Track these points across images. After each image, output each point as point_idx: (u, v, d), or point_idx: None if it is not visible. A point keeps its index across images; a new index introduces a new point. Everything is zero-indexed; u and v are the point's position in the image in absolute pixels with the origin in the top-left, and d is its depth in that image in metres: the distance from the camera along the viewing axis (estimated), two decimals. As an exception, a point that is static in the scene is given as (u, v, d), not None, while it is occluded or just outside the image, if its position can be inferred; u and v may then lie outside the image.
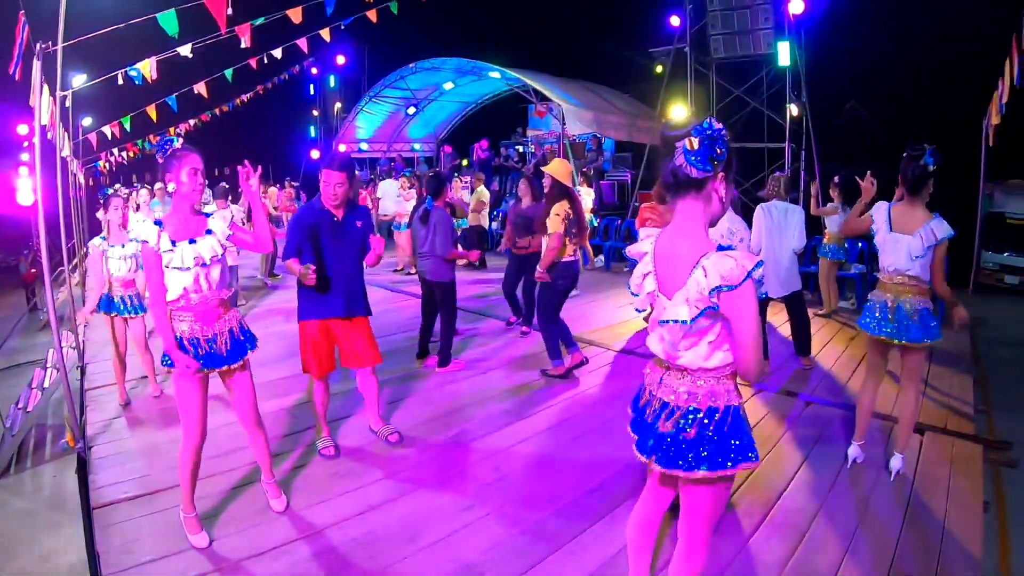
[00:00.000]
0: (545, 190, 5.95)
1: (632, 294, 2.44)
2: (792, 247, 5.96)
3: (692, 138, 2.10)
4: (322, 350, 4.40)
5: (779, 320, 7.44)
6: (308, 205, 4.39)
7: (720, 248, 2.11)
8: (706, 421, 2.21)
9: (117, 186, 5.73)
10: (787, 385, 5.95)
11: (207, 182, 3.54)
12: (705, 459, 2.18)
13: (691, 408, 2.22)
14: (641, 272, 2.37)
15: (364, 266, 4.50)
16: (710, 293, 2.05)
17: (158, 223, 3.33)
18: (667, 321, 2.18)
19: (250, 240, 3.61)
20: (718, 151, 2.10)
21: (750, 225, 5.74)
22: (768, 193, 6.23)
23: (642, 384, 2.49)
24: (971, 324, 4.17)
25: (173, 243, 3.28)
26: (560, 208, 5.67)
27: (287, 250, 4.23)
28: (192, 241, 3.32)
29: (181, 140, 3.36)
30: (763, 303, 6.06)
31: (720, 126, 2.13)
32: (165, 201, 11.04)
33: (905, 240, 3.95)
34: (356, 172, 16.74)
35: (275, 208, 14.58)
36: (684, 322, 2.12)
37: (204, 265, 3.34)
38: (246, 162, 3.51)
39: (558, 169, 5.82)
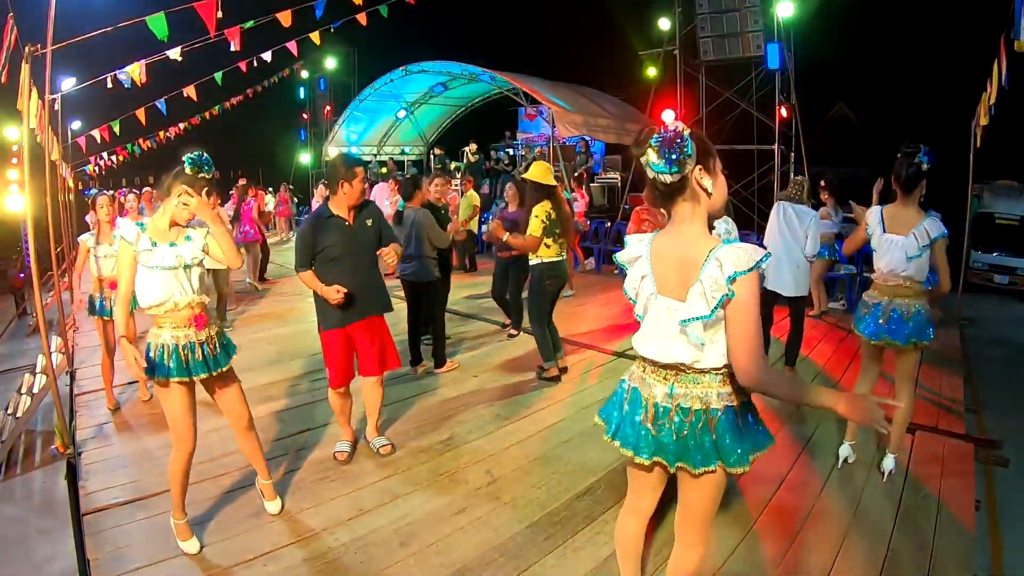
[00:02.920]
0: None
1: (630, 299, 2.41)
2: (804, 252, 5.94)
3: (651, 148, 2.10)
4: (345, 360, 4.38)
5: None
6: (316, 215, 4.34)
7: (726, 242, 2.12)
8: (744, 415, 2.21)
9: (101, 191, 5.68)
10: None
11: None
12: (741, 452, 2.18)
13: (729, 407, 2.20)
14: (638, 275, 2.33)
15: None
16: (727, 281, 2.04)
17: (140, 225, 3.32)
18: (687, 320, 2.15)
19: (219, 255, 3.50)
20: (680, 149, 2.09)
21: (742, 226, 5.73)
22: (788, 193, 6.21)
23: (628, 392, 2.41)
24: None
25: (153, 244, 3.28)
26: (540, 210, 5.67)
27: (300, 262, 4.23)
28: (172, 244, 3.32)
29: (211, 170, 3.37)
30: (769, 298, 6.10)
31: (676, 125, 2.12)
32: (154, 207, 11.00)
33: (899, 241, 3.95)
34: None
35: (261, 213, 14.55)
36: (705, 317, 2.10)
37: (186, 267, 3.33)
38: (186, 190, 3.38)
39: (536, 172, 5.80)
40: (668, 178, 2.11)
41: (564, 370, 6.30)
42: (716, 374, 2.20)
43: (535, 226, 5.65)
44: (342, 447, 4.56)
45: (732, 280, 2.04)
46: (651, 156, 2.11)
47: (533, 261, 5.89)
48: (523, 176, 5.96)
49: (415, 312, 6.50)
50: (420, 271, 6.20)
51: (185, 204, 3.29)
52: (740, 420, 2.21)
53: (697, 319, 2.11)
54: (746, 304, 2.07)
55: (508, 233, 5.75)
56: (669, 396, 2.25)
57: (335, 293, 4.08)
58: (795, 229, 5.92)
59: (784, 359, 6.30)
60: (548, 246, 5.75)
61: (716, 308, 2.08)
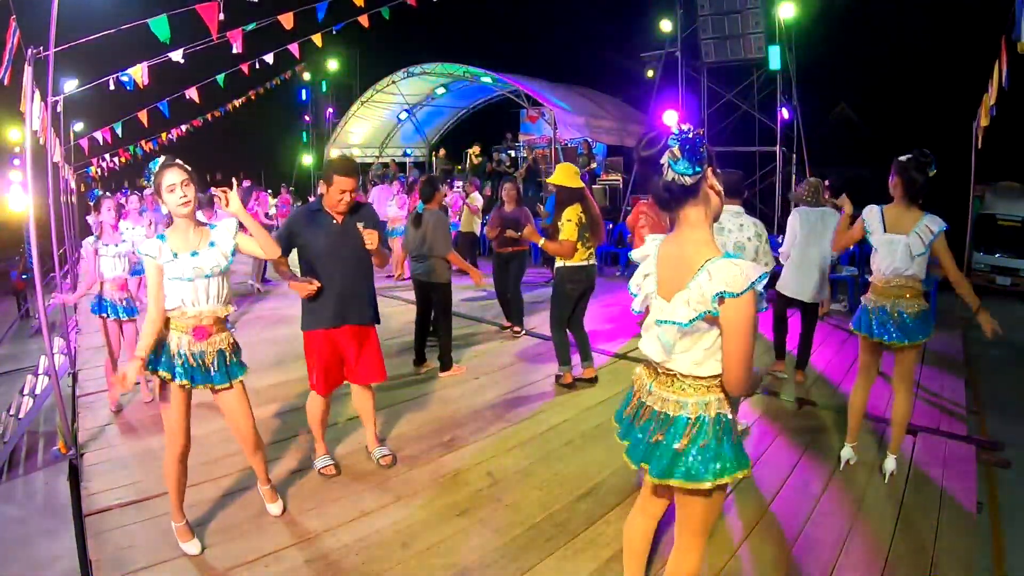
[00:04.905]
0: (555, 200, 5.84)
1: (632, 294, 2.43)
2: (830, 251, 5.87)
3: (673, 148, 2.10)
4: (329, 363, 4.18)
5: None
6: (307, 207, 4.19)
7: (727, 255, 2.11)
8: (696, 431, 2.19)
9: (105, 194, 5.72)
10: (779, 388, 5.96)
11: (196, 188, 3.47)
12: (697, 469, 2.17)
13: (681, 417, 2.21)
14: (642, 273, 2.37)
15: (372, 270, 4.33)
16: (712, 298, 2.04)
17: (161, 237, 3.32)
18: (663, 322, 2.16)
19: (254, 249, 3.53)
20: (701, 150, 2.10)
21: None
22: (804, 198, 6.10)
23: (630, 391, 2.48)
24: (1002, 333, 4.17)
25: (175, 255, 3.26)
26: (572, 213, 5.48)
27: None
28: (194, 253, 3.29)
29: (161, 159, 3.30)
30: (782, 303, 6.12)
31: (691, 126, 2.13)
32: (154, 208, 11.02)
33: (902, 240, 3.93)
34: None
35: (267, 215, 14.56)
36: (681, 324, 2.11)
37: (206, 277, 3.31)
38: (214, 191, 3.49)
39: (560, 176, 5.60)
40: (688, 179, 2.11)
41: (594, 380, 6.07)
42: (693, 381, 2.21)
43: (569, 230, 5.48)
44: (326, 462, 4.38)
45: (720, 299, 2.04)
46: (673, 155, 2.10)
47: (556, 264, 5.75)
48: (549, 182, 5.86)
49: (423, 312, 6.50)
50: (432, 271, 6.19)
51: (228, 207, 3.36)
52: (711, 435, 2.20)
53: (672, 323, 2.12)
54: (740, 326, 2.06)
55: (543, 239, 5.64)
56: (648, 393, 2.30)
57: (308, 286, 3.93)
58: (820, 232, 5.85)
59: (798, 363, 6.27)
60: (576, 249, 5.57)
61: (695, 320, 2.08)
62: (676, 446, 2.20)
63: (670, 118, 14.85)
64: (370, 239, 4.08)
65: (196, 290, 3.29)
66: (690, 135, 2.10)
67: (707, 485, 2.17)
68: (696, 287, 2.08)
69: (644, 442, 2.29)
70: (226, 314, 3.46)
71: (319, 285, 3.97)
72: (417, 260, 6.28)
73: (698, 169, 2.10)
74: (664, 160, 2.12)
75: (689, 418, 2.20)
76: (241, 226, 3.48)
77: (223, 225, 3.45)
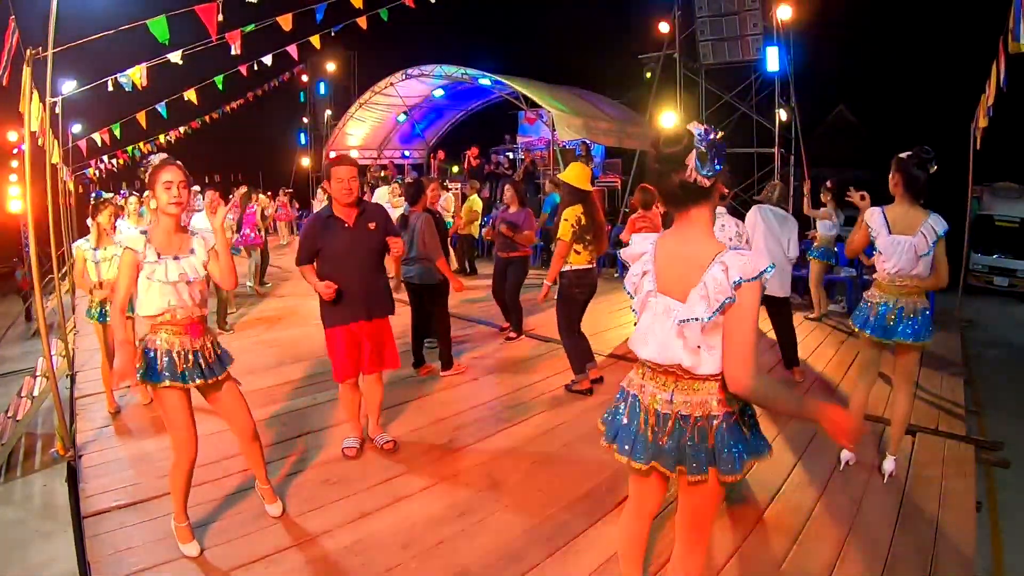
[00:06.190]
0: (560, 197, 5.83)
1: (629, 294, 2.42)
2: (788, 255, 6.00)
3: (701, 148, 2.08)
4: (349, 354, 4.48)
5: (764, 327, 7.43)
6: (318, 215, 4.50)
7: (733, 249, 2.13)
8: (725, 426, 2.19)
9: (112, 195, 5.72)
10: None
11: (195, 190, 3.49)
12: (733, 461, 2.17)
13: (712, 416, 2.19)
14: (639, 271, 2.34)
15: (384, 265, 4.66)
16: (732, 285, 2.04)
17: (144, 232, 3.31)
18: (686, 320, 2.13)
19: (216, 275, 3.50)
20: (723, 152, 2.10)
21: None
22: (767, 197, 6.26)
23: (628, 398, 2.40)
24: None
25: (159, 256, 3.26)
26: (570, 213, 5.43)
27: (300, 258, 4.40)
28: (176, 258, 3.30)
29: (162, 156, 3.34)
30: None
31: (709, 128, 2.12)
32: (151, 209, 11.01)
33: (908, 241, 3.92)
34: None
35: (262, 217, 14.55)
36: (703, 319, 2.09)
37: (189, 282, 3.31)
38: (211, 193, 3.52)
39: (571, 174, 5.54)
40: (708, 181, 2.12)
41: (599, 380, 5.98)
42: (715, 381, 2.19)
43: (565, 230, 5.42)
44: (350, 443, 4.63)
45: (737, 285, 2.04)
46: (701, 155, 2.09)
47: (562, 268, 5.66)
48: (559, 177, 5.83)
49: (418, 314, 6.48)
50: (423, 273, 6.18)
51: (167, 188, 3.27)
52: (740, 427, 2.21)
53: (695, 320, 2.11)
54: (746, 312, 2.07)
55: (551, 281, 5.64)
56: (669, 403, 2.25)
57: (325, 288, 4.23)
58: (776, 232, 5.95)
59: (786, 364, 6.27)
60: (578, 252, 5.50)
61: (716, 311, 2.07)
62: (709, 444, 2.19)
63: (669, 119, 14.87)
64: (395, 247, 4.47)
65: (181, 293, 3.30)
66: (712, 136, 2.10)
67: (740, 476, 2.18)
68: (712, 279, 2.08)
69: (674, 448, 2.24)
70: (206, 313, 3.51)
71: (336, 287, 4.26)
72: (407, 263, 6.27)
73: (718, 170, 2.11)
74: (691, 160, 2.11)
75: (734, 412, 2.20)
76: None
77: (200, 237, 3.46)
